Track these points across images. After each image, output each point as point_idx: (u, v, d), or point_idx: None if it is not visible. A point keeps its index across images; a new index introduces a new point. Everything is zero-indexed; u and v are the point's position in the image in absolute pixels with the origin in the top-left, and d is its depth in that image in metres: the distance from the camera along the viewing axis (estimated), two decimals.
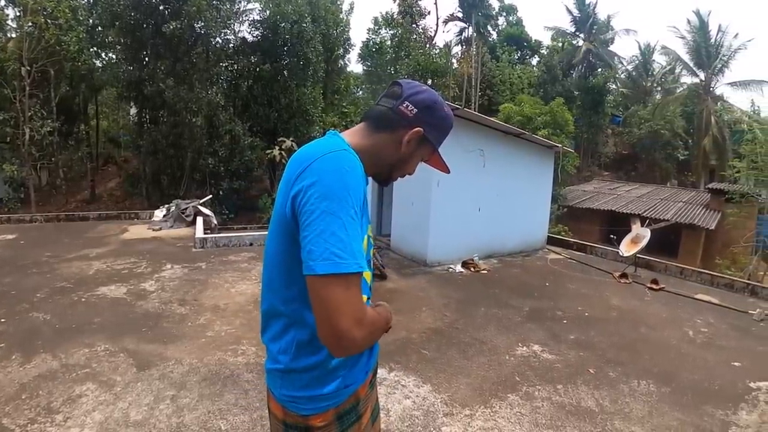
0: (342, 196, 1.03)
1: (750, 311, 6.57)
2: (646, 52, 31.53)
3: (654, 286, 7.53)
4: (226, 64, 16.46)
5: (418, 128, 1.24)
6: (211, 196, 13.65)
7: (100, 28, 14.98)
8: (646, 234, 8.41)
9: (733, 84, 25.86)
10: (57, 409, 3.17)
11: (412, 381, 3.87)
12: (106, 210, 13.80)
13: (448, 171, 1.42)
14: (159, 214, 11.66)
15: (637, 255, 8.46)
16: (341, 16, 21.15)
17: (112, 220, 12.00)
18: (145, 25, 13.56)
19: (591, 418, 3.46)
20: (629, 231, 9.02)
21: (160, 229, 10.69)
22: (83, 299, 5.59)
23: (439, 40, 36.96)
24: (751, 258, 13.26)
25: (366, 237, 1.23)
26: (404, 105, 1.24)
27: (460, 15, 28.27)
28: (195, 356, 4.13)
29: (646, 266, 8.94)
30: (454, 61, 29.43)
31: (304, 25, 15.88)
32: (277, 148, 15.24)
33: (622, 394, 3.88)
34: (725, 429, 3.48)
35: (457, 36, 30.27)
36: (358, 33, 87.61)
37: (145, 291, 6.03)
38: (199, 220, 10.81)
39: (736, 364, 4.77)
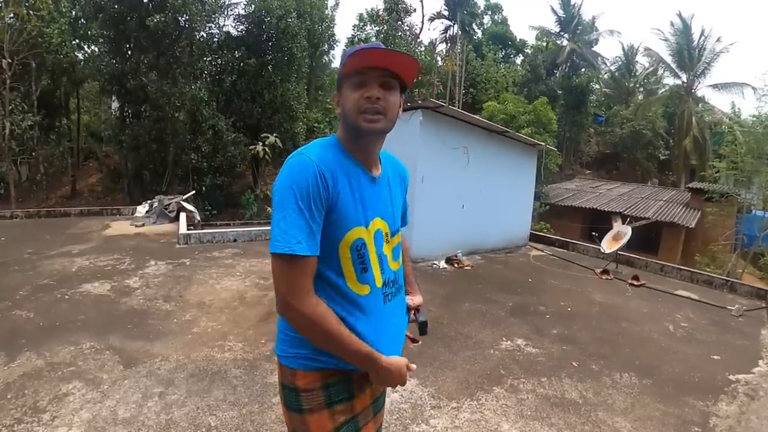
0: (284, 192, 1.25)
1: (729, 307, 6.74)
2: (630, 53, 31.93)
3: (635, 282, 7.67)
4: (210, 58, 16.37)
5: (334, 94, 1.44)
6: (194, 192, 13.56)
7: (82, 20, 14.83)
8: (627, 231, 8.56)
9: (714, 86, 26.29)
10: (44, 409, 3.14)
11: None
12: (87, 206, 13.64)
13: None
14: (142, 210, 11.54)
15: (619, 252, 8.60)
16: (327, 12, 21.12)
17: (93, 216, 11.83)
18: (128, 18, 13.39)
19: (575, 409, 3.54)
20: (610, 228, 9.17)
21: (143, 225, 10.59)
22: (67, 296, 5.52)
23: (425, 38, 37.13)
24: (730, 255, 13.57)
25: (362, 227, 1.36)
26: None
27: (446, 13, 28.30)
28: (182, 353, 4.11)
29: (627, 263, 9.10)
30: (438, 58, 29.48)
31: (290, 20, 15.83)
32: (260, 143, 15.19)
33: (605, 386, 3.97)
34: (706, 419, 3.58)
35: (442, 34, 30.27)
36: (344, 29, 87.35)
37: (130, 288, 5.98)
38: (183, 216, 10.71)
39: (715, 357, 4.89)
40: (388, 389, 3.51)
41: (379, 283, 1.40)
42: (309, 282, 1.26)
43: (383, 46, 1.32)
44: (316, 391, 1.36)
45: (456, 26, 28.18)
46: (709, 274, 8.92)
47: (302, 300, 1.24)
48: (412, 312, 1.68)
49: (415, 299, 1.72)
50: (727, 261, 13.26)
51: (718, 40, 25.52)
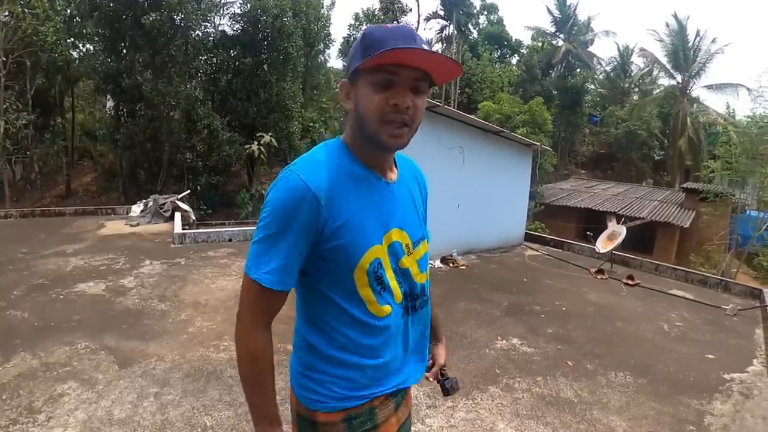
0: (268, 213, 1.11)
1: (723, 306, 6.77)
2: (625, 54, 32.07)
3: (630, 282, 7.70)
4: (206, 57, 16.31)
5: (341, 81, 1.20)
6: (189, 191, 13.50)
7: (78, 19, 14.75)
8: (621, 231, 8.59)
9: (709, 87, 26.48)
10: (39, 409, 3.14)
11: None
12: (82, 205, 13.59)
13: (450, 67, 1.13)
14: (136, 209, 11.50)
15: (613, 252, 8.63)
16: (322, 12, 21.12)
17: (88, 215, 11.78)
18: (124, 16, 13.36)
19: (570, 408, 3.56)
20: (605, 228, 9.20)
21: (138, 224, 10.55)
22: (61, 296, 5.51)
23: None
24: (725, 255, 13.64)
25: (378, 245, 1.18)
26: None
27: (442, 13, 28.34)
28: (177, 353, 4.11)
29: (622, 263, 9.13)
30: None
31: (285, 19, 15.80)
32: (255, 143, 15.16)
33: (600, 386, 3.99)
34: (700, 418, 3.61)
35: (438, 34, 30.29)
36: (339, 29, 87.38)
37: (125, 287, 5.96)
38: (177, 215, 10.68)
39: (710, 356, 4.93)
40: None
41: (398, 299, 1.25)
42: (265, 315, 1.16)
43: (418, 36, 1.10)
44: (338, 425, 1.22)
45: (452, 26, 28.22)
46: (703, 273, 8.97)
47: (248, 330, 1.15)
48: (433, 371, 1.54)
49: (439, 356, 1.57)
50: (721, 261, 13.34)
51: (713, 41, 25.72)
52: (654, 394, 3.94)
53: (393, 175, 1.27)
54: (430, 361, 1.53)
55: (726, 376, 4.45)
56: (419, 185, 1.43)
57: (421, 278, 1.32)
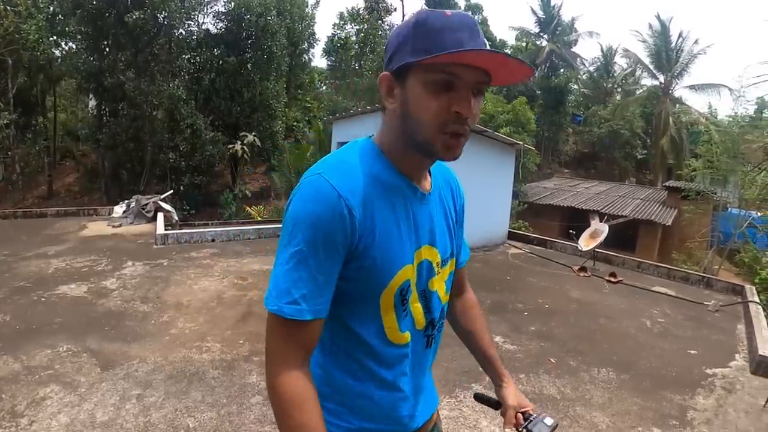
0: (290, 227, 0.93)
1: (705, 302, 6.90)
2: (608, 54, 32.35)
3: (612, 279, 7.80)
4: (189, 56, 16.23)
5: (382, 74, 1.00)
6: (172, 191, 13.40)
7: (60, 17, 14.58)
8: (604, 229, 8.69)
9: (691, 87, 26.84)
10: (21, 413, 3.11)
11: None
12: (64, 206, 13.40)
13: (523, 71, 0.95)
14: (119, 210, 11.38)
15: (596, 249, 8.73)
16: (307, 11, 21.10)
17: (70, 216, 11.62)
18: (107, 14, 13.24)
19: (553, 404, 3.61)
20: (588, 226, 9.30)
21: (120, 225, 10.44)
22: (43, 299, 5.45)
23: None
24: (707, 252, 13.85)
25: (409, 265, 1.04)
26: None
27: None
28: (159, 354, 4.10)
29: (605, 260, 9.24)
30: None
31: (270, 18, 15.78)
32: (238, 142, 15.12)
33: (583, 382, 4.05)
34: (683, 413, 3.67)
35: None
36: (324, 28, 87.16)
37: (107, 289, 5.91)
38: (160, 216, 10.59)
39: (692, 352, 5.01)
40: None
41: (420, 325, 1.11)
42: (297, 351, 0.95)
43: (478, 28, 0.93)
44: None
45: None
46: (685, 270, 9.11)
47: (279, 370, 0.93)
48: (509, 416, 1.26)
49: (510, 396, 1.31)
50: (703, 258, 13.56)
51: (696, 42, 26.05)
52: (637, 389, 4.00)
53: (427, 185, 1.11)
54: (507, 409, 1.29)
55: (708, 371, 4.53)
56: (453, 195, 1.25)
57: (445, 300, 1.18)
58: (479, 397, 1.32)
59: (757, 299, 6.99)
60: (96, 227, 10.21)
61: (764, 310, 6.53)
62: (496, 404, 1.27)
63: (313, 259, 0.91)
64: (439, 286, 1.13)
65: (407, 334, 1.07)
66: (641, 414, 3.60)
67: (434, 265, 1.10)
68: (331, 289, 0.96)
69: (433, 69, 0.89)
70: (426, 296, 1.10)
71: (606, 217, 10.48)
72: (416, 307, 1.08)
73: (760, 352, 4.69)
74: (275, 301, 0.92)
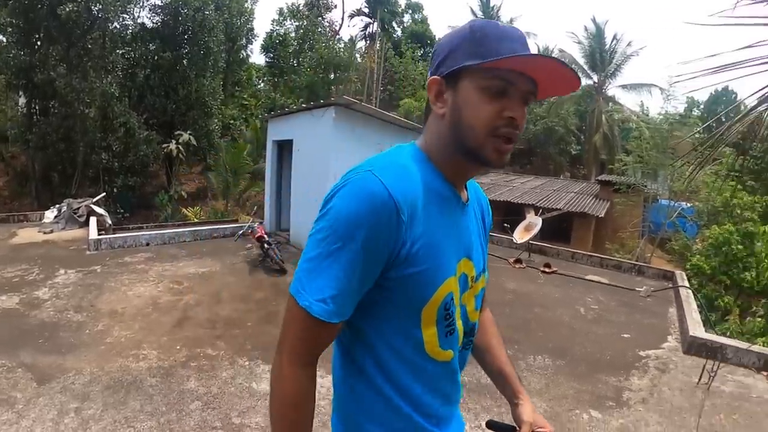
0: (333, 224, 0.89)
1: (637, 288, 7.29)
2: (545, 54, 33.34)
3: (547, 270, 8.13)
4: (123, 51, 15.67)
5: (432, 78, 0.99)
6: (104, 194, 12.88)
7: None
8: (537, 222, 9.03)
9: (624, 86, 28.26)
10: None
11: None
12: None
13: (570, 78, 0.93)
14: (50, 215, 10.81)
15: (531, 242, 9.04)
16: (246, 5, 20.80)
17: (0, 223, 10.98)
18: (39, 6, 12.52)
19: (491, 393, 3.71)
20: (523, 220, 9.62)
21: (52, 231, 9.94)
22: None
23: (345, 34, 37.20)
24: (639, 242, 14.60)
25: (453, 276, 1.00)
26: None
27: (366, 10, 28.59)
28: (95, 365, 3.99)
29: (540, 252, 9.61)
30: (357, 55, 29.66)
31: (207, 12, 15.46)
32: (174, 142, 14.72)
33: (520, 370, 4.21)
34: (619, 394, 3.89)
35: (362, 31, 30.55)
36: (263, 24, 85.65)
37: (39, 299, 5.65)
38: (93, 220, 10.17)
39: (625, 335, 5.30)
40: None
41: (460, 341, 1.07)
42: (314, 349, 0.94)
43: (527, 42, 0.96)
44: None
45: (376, 23, 28.44)
46: (618, 259, 9.59)
47: (290, 367, 0.93)
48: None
49: (525, 413, 1.22)
50: (635, 247, 14.28)
51: (629, 44, 27.36)
52: (572, 374, 4.20)
53: (465, 195, 1.09)
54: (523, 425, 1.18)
55: (642, 353, 4.80)
56: (483, 211, 1.24)
57: (474, 316, 1.13)
58: (492, 425, 1.25)
59: (687, 284, 7.44)
60: (26, 234, 9.68)
61: (694, 294, 6.96)
62: (512, 430, 1.20)
63: (349, 259, 0.87)
64: (469, 300, 1.09)
65: (450, 353, 1.03)
66: (578, 397, 3.78)
67: (469, 279, 1.07)
68: (360, 294, 0.93)
69: (490, 74, 0.90)
70: (462, 312, 1.06)
71: (541, 211, 10.85)
72: (459, 324, 1.04)
73: (691, 333, 5.02)
74: (307, 296, 0.89)
